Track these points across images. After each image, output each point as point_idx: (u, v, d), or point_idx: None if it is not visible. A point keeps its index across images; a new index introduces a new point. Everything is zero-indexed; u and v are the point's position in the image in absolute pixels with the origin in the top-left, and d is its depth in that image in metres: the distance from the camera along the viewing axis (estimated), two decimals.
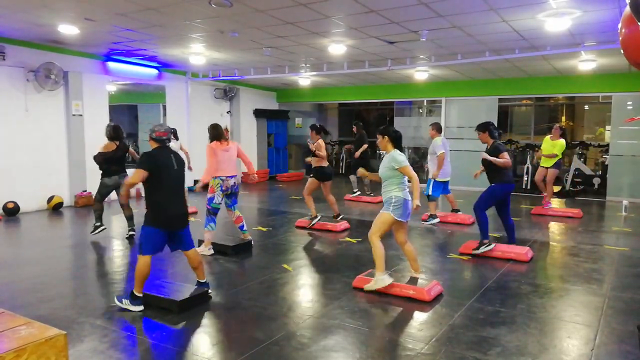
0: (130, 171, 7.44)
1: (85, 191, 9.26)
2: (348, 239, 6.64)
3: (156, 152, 4.11)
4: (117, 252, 6.16)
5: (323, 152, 7.07)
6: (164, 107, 11.32)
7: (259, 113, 13.89)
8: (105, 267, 5.56)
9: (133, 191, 5.46)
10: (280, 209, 8.97)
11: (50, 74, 8.57)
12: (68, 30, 7.09)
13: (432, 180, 7.61)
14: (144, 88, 11.09)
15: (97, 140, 9.58)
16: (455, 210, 7.89)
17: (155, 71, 10.80)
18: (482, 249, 5.65)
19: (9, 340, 2.65)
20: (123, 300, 4.06)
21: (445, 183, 7.77)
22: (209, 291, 4.36)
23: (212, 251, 5.80)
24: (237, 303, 4.27)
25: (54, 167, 8.97)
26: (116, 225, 7.63)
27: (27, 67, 8.38)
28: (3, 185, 8.16)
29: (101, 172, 6.57)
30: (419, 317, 3.97)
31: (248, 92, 13.57)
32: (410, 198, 4.39)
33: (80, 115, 9.23)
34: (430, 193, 7.61)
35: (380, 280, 4.38)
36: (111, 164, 6.49)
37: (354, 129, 10.36)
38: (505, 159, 5.51)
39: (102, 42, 8.20)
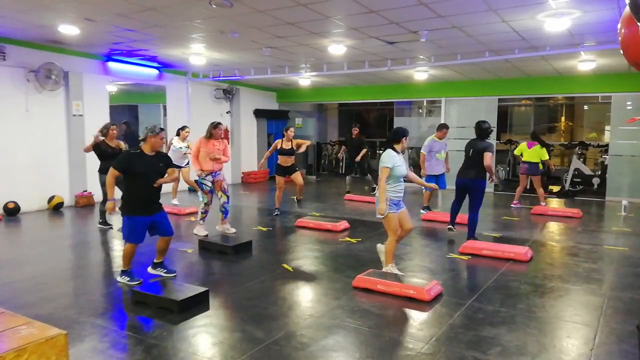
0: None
1: (86, 191, 9.26)
2: (348, 238, 6.64)
3: None
4: (118, 252, 6.16)
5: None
6: (165, 108, 11.33)
7: (259, 113, 13.89)
8: (105, 266, 5.56)
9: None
10: (280, 209, 8.96)
11: (51, 74, 8.57)
12: (68, 30, 7.09)
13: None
14: (144, 88, 11.09)
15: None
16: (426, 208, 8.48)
17: (155, 71, 10.81)
18: None
19: (10, 340, 2.65)
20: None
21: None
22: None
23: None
24: (237, 303, 4.28)
25: (55, 167, 8.97)
26: (116, 225, 7.62)
27: (28, 67, 8.39)
28: (3, 185, 8.16)
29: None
30: (419, 317, 3.97)
31: (248, 92, 13.56)
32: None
33: (81, 115, 9.23)
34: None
35: None
36: None
37: (356, 131, 10.54)
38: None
39: (102, 42, 8.21)
